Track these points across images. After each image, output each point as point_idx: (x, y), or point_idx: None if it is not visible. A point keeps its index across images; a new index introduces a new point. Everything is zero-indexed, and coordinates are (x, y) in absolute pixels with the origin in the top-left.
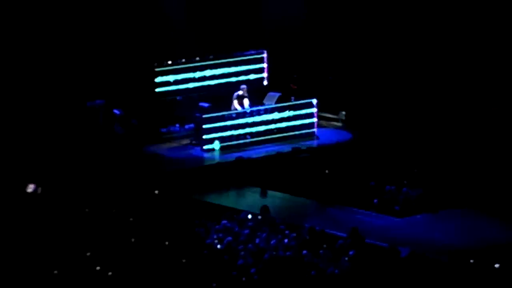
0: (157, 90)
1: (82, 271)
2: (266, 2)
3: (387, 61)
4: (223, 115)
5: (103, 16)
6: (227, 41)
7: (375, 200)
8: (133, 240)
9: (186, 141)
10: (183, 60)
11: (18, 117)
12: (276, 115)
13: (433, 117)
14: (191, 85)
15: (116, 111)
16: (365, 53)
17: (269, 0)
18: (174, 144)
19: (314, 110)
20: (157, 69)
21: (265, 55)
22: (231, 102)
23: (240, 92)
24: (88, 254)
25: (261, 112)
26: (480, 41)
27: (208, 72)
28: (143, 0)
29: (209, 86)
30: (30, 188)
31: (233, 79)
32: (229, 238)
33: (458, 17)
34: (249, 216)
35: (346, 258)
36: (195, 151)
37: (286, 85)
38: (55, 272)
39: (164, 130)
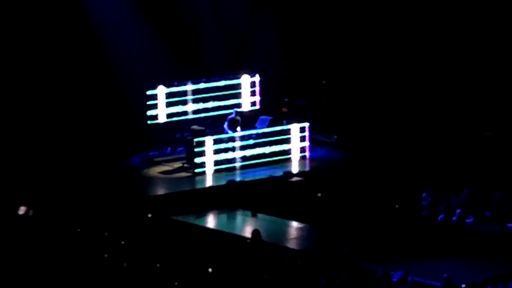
0: (148, 113)
1: None
2: (256, 25)
3: (379, 84)
4: (214, 139)
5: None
6: (219, 64)
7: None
8: (125, 264)
9: (178, 164)
10: (175, 83)
11: (9, 141)
12: (267, 139)
13: (426, 141)
14: (182, 108)
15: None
16: (357, 77)
17: (259, 23)
18: (166, 168)
19: (306, 133)
20: (148, 93)
21: (257, 78)
22: (223, 125)
23: (233, 116)
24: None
25: (253, 136)
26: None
27: (200, 96)
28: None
29: (200, 110)
30: (22, 210)
31: (225, 102)
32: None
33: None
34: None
35: (338, 281)
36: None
37: (278, 109)
38: None
39: (154, 153)
